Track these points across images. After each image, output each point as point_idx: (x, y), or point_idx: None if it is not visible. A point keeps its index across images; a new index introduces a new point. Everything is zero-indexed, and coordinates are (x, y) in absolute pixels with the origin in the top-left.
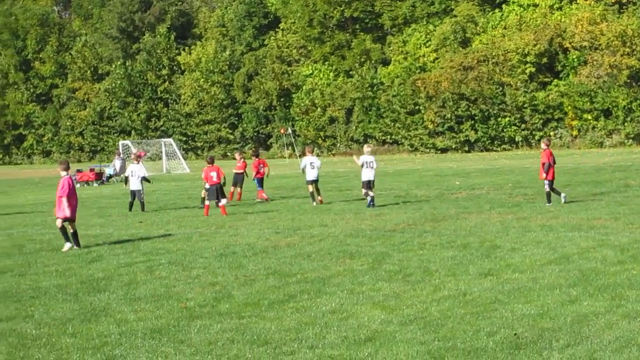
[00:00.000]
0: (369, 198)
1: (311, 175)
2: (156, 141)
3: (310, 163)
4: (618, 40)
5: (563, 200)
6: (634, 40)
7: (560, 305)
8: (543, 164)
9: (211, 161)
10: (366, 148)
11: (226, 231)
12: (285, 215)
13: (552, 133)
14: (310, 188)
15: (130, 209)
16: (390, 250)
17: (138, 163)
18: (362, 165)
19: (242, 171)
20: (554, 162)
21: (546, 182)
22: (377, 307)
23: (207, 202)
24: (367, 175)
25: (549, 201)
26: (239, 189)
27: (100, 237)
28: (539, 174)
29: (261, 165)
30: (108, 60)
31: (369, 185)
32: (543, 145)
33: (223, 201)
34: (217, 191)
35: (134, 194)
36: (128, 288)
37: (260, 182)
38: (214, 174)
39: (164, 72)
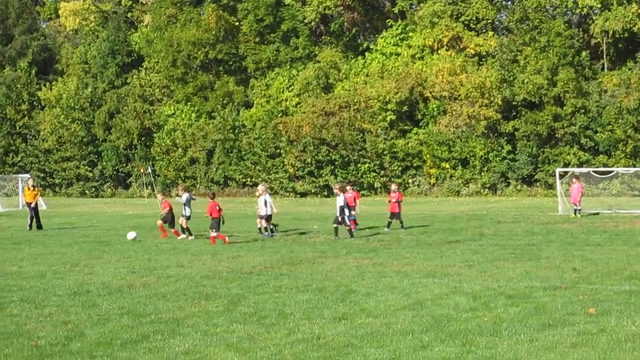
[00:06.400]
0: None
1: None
2: (13, 177)
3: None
4: (477, 91)
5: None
6: (492, 92)
7: (412, 350)
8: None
9: (213, 196)
10: (261, 187)
11: (81, 269)
12: (142, 255)
13: (410, 180)
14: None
15: None
16: (246, 293)
17: None
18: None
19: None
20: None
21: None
22: (230, 349)
23: (213, 233)
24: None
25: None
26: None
27: None
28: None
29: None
30: None
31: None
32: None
33: (213, 233)
34: (219, 223)
35: None
36: None
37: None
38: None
39: (24, 107)
